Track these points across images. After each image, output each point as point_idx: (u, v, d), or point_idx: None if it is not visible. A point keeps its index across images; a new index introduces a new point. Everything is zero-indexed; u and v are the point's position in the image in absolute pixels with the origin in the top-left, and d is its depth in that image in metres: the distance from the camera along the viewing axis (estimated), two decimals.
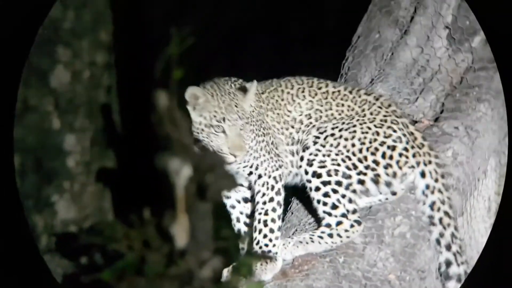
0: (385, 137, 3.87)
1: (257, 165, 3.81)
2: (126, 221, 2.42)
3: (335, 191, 3.82)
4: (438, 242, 3.89)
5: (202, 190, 2.32)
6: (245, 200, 4.01)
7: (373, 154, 3.85)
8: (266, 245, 3.78)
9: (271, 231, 3.78)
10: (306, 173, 3.84)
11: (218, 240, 2.42)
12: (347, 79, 4.72)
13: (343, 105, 3.96)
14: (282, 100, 3.96)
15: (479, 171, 4.30)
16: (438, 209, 3.89)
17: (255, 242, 3.80)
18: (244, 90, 3.82)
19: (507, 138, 4.41)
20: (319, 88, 4.01)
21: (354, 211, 3.85)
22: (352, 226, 3.83)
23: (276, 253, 3.77)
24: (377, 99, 4.00)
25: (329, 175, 3.82)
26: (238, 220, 4.02)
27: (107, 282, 2.23)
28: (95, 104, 2.63)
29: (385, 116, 3.92)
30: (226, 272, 3.51)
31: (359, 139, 3.86)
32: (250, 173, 3.83)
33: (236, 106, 3.70)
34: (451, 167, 4.09)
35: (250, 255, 3.46)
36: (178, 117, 2.35)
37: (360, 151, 3.86)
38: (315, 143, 3.86)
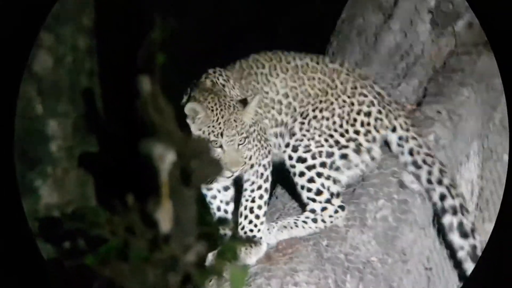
0: (360, 104, 3.94)
1: (250, 156, 3.78)
2: (109, 206, 2.42)
3: (319, 175, 3.85)
4: (429, 181, 3.94)
5: (186, 176, 2.31)
6: (225, 188, 4.00)
7: (352, 125, 3.92)
8: (251, 230, 3.80)
9: (257, 217, 3.80)
10: (291, 158, 3.86)
11: (202, 225, 2.43)
12: None
13: (314, 78, 3.96)
14: (258, 83, 3.93)
15: (461, 155, 4.33)
16: (418, 152, 3.96)
17: (240, 227, 3.82)
18: (244, 103, 3.77)
19: (491, 122, 4.44)
20: (288, 63, 3.99)
21: (338, 195, 3.89)
22: (336, 211, 3.87)
23: (261, 237, 3.80)
24: (341, 65, 4.03)
25: (313, 158, 3.85)
26: (219, 209, 4.01)
27: (90, 267, 2.24)
28: (77, 89, 2.62)
29: (354, 82, 3.97)
30: (211, 257, 3.52)
31: (339, 115, 3.91)
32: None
33: (235, 120, 3.65)
34: (434, 151, 4.11)
35: (234, 240, 3.48)
36: (161, 102, 2.35)
37: (341, 126, 3.92)
38: (301, 129, 3.89)
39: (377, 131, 3.95)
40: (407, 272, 3.90)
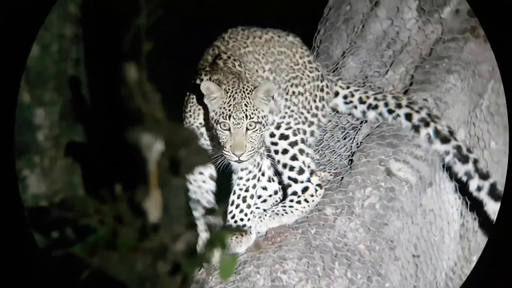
0: (317, 79, 4.05)
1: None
2: (97, 196, 2.41)
3: (301, 151, 3.93)
4: (390, 111, 4.12)
5: (175, 165, 2.31)
6: (212, 177, 3.95)
7: (314, 101, 4.03)
8: (242, 219, 3.81)
9: (248, 206, 3.82)
10: (273, 135, 3.91)
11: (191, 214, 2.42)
12: (319, 52, 4.72)
13: (281, 52, 3.99)
14: (250, 63, 3.93)
15: None
16: (367, 97, 4.14)
17: (230, 215, 3.82)
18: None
19: (478, 109, 4.45)
20: (260, 38, 4.00)
21: (314, 172, 3.97)
22: (316, 190, 3.96)
23: (250, 227, 3.81)
24: (294, 38, 4.08)
25: (294, 134, 3.93)
26: (206, 198, 3.99)
27: (79, 256, 2.23)
28: (63, 77, 2.59)
29: (308, 56, 4.07)
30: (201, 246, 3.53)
31: (307, 91, 4.00)
32: None
33: (246, 105, 3.61)
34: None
35: (224, 228, 3.48)
36: (148, 90, 2.33)
37: (309, 102, 4.01)
38: (284, 106, 3.93)
39: (328, 103, 4.09)
40: (395, 259, 3.93)
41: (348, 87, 4.17)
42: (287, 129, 3.92)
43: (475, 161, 4.04)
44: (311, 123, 4.01)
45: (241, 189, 3.82)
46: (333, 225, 3.87)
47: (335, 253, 3.81)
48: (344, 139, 4.30)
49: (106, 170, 2.72)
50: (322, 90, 4.06)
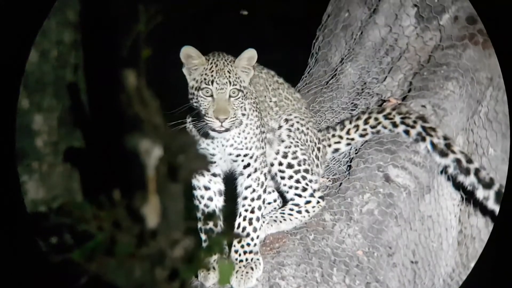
0: (308, 116, 4.11)
1: (257, 157, 3.74)
2: (96, 201, 2.41)
3: (304, 177, 3.94)
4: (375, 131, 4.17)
5: (173, 170, 2.31)
6: (220, 193, 3.87)
7: (315, 134, 4.10)
8: (248, 244, 3.72)
9: (254, 230, 3.73)
10: (281, 164, 3.92)
11: (190, 220, 2.42)
12: (318, 59, 4.73)
13: (287, 97, 4.07)
14: (261, 86, 3.94)
15: None
16: (377, 121, 4.20)
17: (236, 241, 3.71)
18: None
19: (476, 115, 4.45)
20: (273, 76, 4.05)
21: (318, 189, 4.02)
22: (318, 202, 3.97)
23: (257, 252, 3.73)
24: (300, 97, 4.17)
25: (299, 164, 3.93)
26: (206, 204, 3.94)
27: (77, 262, 2.23)
28: (62, 83, 2.59)
29: (293, 94, 4.12)
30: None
31: (308, 128, 4.03)
32: (248, 164, 3.74)
33: (228, 72, 3.55)
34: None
35: (222, 234, 3.46)
36: (147, 96, 2.34)
37: (311, 137, 4.04)
38: (288, 136, 3.93)
39: (323, 156, 4.20)
40: (393, 265, 3.92)
41: (342, 128, 4.23)
42: (293, 158, 3.93)
43: (477, 171, 4.05)
44: (317, 157, 4.07)
45: (246, 210, 3.74)
46: (331, 231, 3.87)
47: (334, 259, 3.80)
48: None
49: (104, 176, 2.72)
50: (318, 149, 4.13)
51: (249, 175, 3.74)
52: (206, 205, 3.81)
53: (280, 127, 3.94)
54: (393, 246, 3.94)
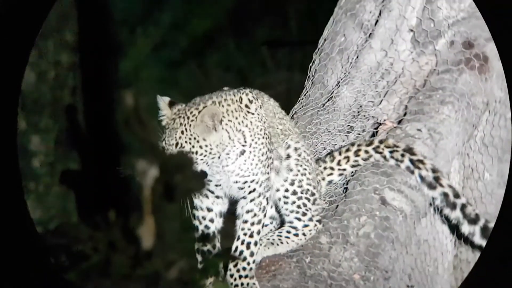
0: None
1: (262, 182, 3.74)
2: (91, 222, 2.41)
3: (305, 204, 3.96)
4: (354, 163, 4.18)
5: (169, 191, 2.31)
6: (221, 215, 3.84)
7: (317, 175, 4.13)
8: (244, 269, 3.70)
9: (251, 254, 3.71)
10: (287, 190, 3.92)
11: (185, 241, 2.41)
12: (314, 82, 4.74)
13: (289, 129, 4.06)
14: (269, 113, 3.92)
15: None
16: (367, 154, 4.17)
17: (232, 264, 3.70)
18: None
19: (472, 140, 4.46)
20: (278, 107, 4.04)
21: (317, 214, 4.01)
22: (315, 225, 3.96)
23: (253, 277, 3.70)
24: (299, 135, 4.14)
25: (302, 192, 3.94)
26: (204, 224, 3.92)
27: (73, 283, 2.22)
28: (60, 105, 2.60)
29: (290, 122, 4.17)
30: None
31: (311, 157, 4.05)
32: (254, 189, 3.73)
33: (182, 132, 3.53)
34: None
35: (218, 256, 3.44)
36: (144, 117, 2.34)
37: (314, 167, 4.06)
38: (296, 165, 3.94)
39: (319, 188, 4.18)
40: None
41: (333, 160, 4.21)
42: (298, 186, 3.93)
43: (463, 207, 4.06)
44: (317, 189, 4.06)
45: (245, 234, 3.72)
46: (328, 254, 3.85)
47: (330, 283, 3.78)
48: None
49: (100, 197, 2.72)
50: (318, 182, 4.14)
51: (252, 200, 3.73)
52: (206, 226, 3.79)
53: (288, 156, 3.94)
54: (389, 269, 3.92)
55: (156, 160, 2.29)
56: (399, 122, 4.39)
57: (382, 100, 4.51)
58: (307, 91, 4.77)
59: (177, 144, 3.50)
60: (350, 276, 3.82)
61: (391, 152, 4.14)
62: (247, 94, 3.75)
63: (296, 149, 3.96)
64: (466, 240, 4.15)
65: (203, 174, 3.48)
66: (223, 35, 6.62)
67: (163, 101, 3.61)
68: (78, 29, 2.77)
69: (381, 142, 4.17)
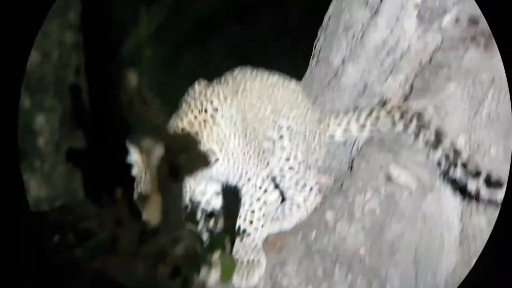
0: (317, 122, 4.16)
1: (246, 171, 3.78)
2: (97, 200, 2.44)
3: (303, 177, 3.99)
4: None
5: (174, 170, 2.33)
6: (218, 194, 3.90)
7: (314, 139, 4.11)
8: (249, 244, 3.75)
9: (255, 229, 3.77)
10: (282, 169, 3.97)
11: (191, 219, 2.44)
12: (319, 60, 4.74)
13: (283, 96, 4.07)
14: (252, 98, 3.93)
15: None
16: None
17: (238, 240, 3.74)
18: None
19: (478, 116, 4.46)
20: (267, 80, 4.05)
21: (316, 184, 4.05)
22: (314, 198, 4.02)
23: (259, 251, 3.77)
24: (296, 85, 4.15)
25: (299, 165, 3.98)
26: (207, 203, 3.99)
27: (80, 260, 2.24)
28: (64, 84, 2.61)
29: (307, 100, 4.17)
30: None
31: (306, 122, 4.06)
32: (249, 179, 3.80)
33: None
34: None
35: (223, 233, 3.48)
36: (148, 97, 2.36)
37: (310, 129, 4.07)
38: (290, 140, 3.98)
39: (324, 144, 4.20)
40: (394, 263, 3.94)
41: (343, 116, 4.23)
42: (294, 160, 3.98)
43: (465, 165, 4.06)
44: (313, 156, 4.08)
45: (247, 211, 3.78)
46: (333, 229, 3.88)
47: (335, 257, 3.82)
48: (344, 144, 4.32)
49: (106, 175, 2.73)
50: (320, 134, 4.14)
51: (243, 185, 3.79)
52: (207, 203, 3.85)
53: (281, 137, 3.97)
54: (395, 244, 3.96)
55: (160, 140, 2.31)
56: (405, 99, 4.40)
57: (387, 78, 4.51)
58: (312, 70, 4.78)
59: None
60: (355, 251, 3.86)
61: (401, 114, 4.15)
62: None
63: (288, 127, 3.98)
64: (477, 198, 4.13)
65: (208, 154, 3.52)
66: (227, 16, 6.62)
67: (133, 148, 3.58)
68: (81, 9, 2.77)
69: (394, 106, 4.18)
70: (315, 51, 4.79)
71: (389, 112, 4.18)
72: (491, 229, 4.20)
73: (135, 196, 2.67)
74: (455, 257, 4.25)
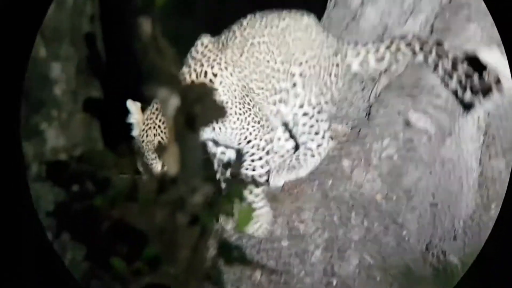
0: (332, 55, 4.08)
1: (246, 136, 3.79)
2: (116, 150, 2.45)
3: (317, 121, 3.95)
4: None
5: (191, 120, 2.33)
6: (226, 146, 3.95)
7: (329, 75, 4.04)
8: (253, 201, 3.80)
9: (259, 184, 3.82)
10: (296, 114, 3.94)
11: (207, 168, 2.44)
12: (337, 2, 4.66)
13: (296, 38, 3.99)
14: (261, 53, 3.88)
15: None
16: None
17: (247, 191, 3.78)
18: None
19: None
20: (277, 27, 3.95)
21: (328, 128, 4.01)
22: (328, 143, 3.98)
23: (262, 207, 3.81)
24: (309, 18, 4.08)
25: (313, 108, 3.94)
26: (222, 153, 4.01)
27: (99, 208, 2.27)
28: (79, 33, 2.60)
29: (322, 32, 4.10)
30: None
31: (322, 68, 4.00)
32: (249, 141, 3.81)
33: (159, 142, 3.63)
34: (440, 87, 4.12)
35: (241, 183, 3.51)
36: (163, 45, 2.34)
37: (324, 77, 4.01)
38: (303, 87, 3.94)
39: (340, 78, 4.12)
40: (412, 208, 3.96)
41: (362, 46, 4.13)
42: (308, 105, 3.94)
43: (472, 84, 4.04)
44: (326, 97, 4.00)
45: (247, 169, 3.81)
46: (350, 176, 3.90)
47: (352, 203, 3.84)
48: (362, 90, 4.29)
49: (124, 125, 2.75)
50: (337, 65, 4.04)
51: (249, 142, 3.79)
52: (222, 153, 3.90)
53: (294, 84, 3.93)
54: (413, 189, 3.97)
55: (176, 89, 2.30)
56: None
57: (408, 19, 4.45)
58: (329, 12, 4.70)
59: (159, 156, 3.54)
60: (372, 197, 3.88)
61: (421, 45, 4.09)
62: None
63: (301, 73, 3.93)
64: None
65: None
66: None
67: (133, 104, 3.62)
68: None
69: (413, 37, 4.12)
70: None
71: (409, 44, 4.12)
72: (509, 172, 4.20)
73: (138, 163, 2.68)
74: (474, 200, 4.26)
